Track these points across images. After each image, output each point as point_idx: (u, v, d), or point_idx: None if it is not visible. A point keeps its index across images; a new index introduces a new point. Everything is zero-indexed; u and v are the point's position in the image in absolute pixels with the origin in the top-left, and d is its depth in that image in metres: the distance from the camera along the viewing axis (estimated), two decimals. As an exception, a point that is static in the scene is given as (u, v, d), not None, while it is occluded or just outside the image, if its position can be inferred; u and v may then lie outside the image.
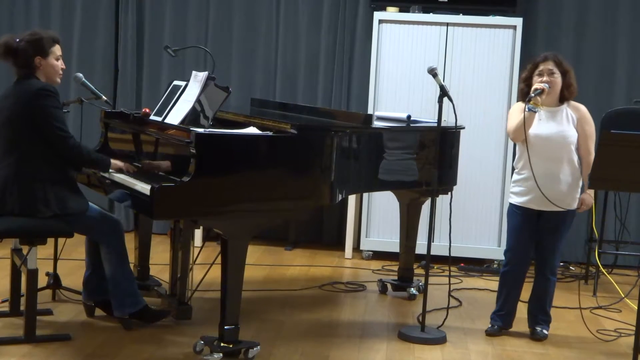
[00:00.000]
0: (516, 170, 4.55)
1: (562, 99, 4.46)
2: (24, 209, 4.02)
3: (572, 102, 4.51)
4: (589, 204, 4.49)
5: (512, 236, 4.57)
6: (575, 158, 4.44)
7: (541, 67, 4.42)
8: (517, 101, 4.61)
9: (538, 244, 4.52)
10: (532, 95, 4.29)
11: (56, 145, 4.06)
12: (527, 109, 4.27)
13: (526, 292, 4.68)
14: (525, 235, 4.51)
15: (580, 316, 4.78)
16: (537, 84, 4.34)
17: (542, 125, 4.40)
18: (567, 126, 4.43)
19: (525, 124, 4.26)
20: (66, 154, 4.09)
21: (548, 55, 4.50)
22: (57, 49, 4.20)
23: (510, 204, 4.57)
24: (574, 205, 4.46)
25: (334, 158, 4.11)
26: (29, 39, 4.13)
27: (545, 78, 4.38)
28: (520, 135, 4.36)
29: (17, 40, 4.13)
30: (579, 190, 4.48)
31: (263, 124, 4.20)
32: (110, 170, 4.28)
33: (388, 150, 4.69)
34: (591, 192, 4.47)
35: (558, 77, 4.41)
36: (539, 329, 4.57)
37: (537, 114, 4.32)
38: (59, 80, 4.23)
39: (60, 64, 4.22)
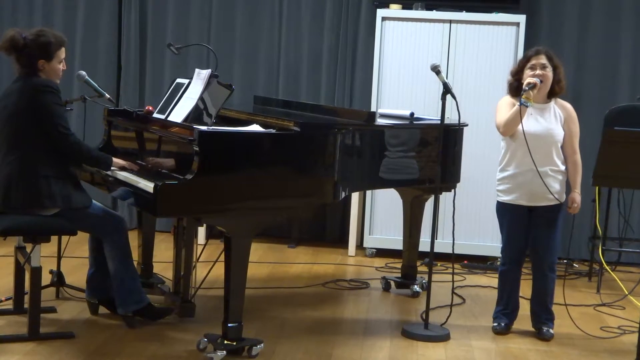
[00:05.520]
0: (501, 167, 4.49)
1: (552, 94, 4.42)
2: (29, 204, 4.03)
3: (559, 100, 4.47)
4: (579, 203, 4.43)
5: (505, 234, 4.55)
6: (561, 155, 4.41)
7: (533, 61, 4.36)
8: (507, 95, 4.52)
9: (533, 241, 4.49)
10: (526, 89, 4.24)
11: (57, 142, 4.06)
12: (520, 103, 4.23)
13: (526, 288, 4.68)
14: (518, 232, 4.48)
15: (584, 313, 4.77)
16: (529, 78, 4.29)
17: (530, 122, 4.34)
18: (554, 124, 4.39)
19: (521, 117, 4.21)
20: (67, 150, 4.09)
21: (540, 49, 4.44)
22: (62, 52, 4.18)
23: (499, 202, 4.52)
24: (564, 198, 4.43)
25: (337, 156, 4.10)
26: (37, 40, 4.10)
27: (538, 72, 4.33)
28: (511, 129, 4.33)
29: (24, 36, 4.10)
30: (565, 184, 4.45)
31: (266, 122, 4.20)
32: (113, 168, 4.28)
33: (391, 147, 4.69)
34: (579, 191, 4.43)
35: (550, 72, 4.35)
36: (545, 329, 4.55)
37: (527, 108, 4.27)
38: (58, 81, 4.22)
39: (62, 66, 4.21)
